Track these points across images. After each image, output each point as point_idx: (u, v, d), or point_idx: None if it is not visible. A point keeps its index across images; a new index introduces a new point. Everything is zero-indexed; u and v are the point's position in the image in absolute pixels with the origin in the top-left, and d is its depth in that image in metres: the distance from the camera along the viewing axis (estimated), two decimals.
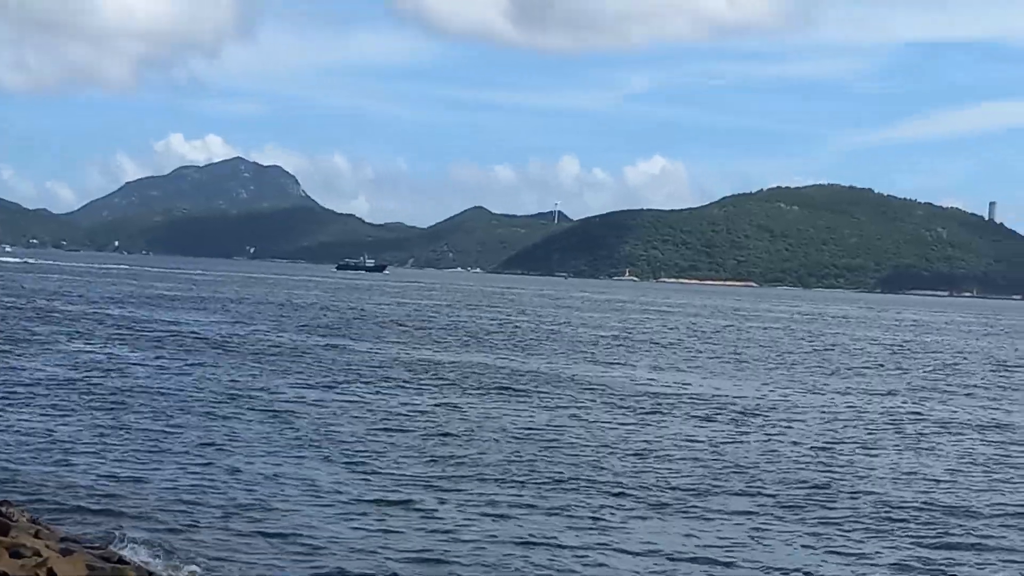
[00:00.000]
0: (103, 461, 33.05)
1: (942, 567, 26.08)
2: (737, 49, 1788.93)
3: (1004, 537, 29.01)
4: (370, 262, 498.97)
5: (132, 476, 31.23)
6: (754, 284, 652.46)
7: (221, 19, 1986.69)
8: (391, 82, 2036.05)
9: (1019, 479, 37.34)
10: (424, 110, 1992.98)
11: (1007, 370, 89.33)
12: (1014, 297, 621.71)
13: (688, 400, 55.67)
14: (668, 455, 38.73)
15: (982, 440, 46.54)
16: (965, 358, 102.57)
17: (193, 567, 22.76)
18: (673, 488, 33.07)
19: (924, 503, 32.63)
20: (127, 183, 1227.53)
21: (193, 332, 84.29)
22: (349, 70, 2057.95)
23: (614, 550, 26.19)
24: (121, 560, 21.71)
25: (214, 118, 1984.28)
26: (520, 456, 37.19)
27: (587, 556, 25.62)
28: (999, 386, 73.65)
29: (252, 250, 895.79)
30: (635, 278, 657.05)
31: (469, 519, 28.33)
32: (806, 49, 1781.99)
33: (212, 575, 22.44)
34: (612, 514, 29.54)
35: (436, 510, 29.05)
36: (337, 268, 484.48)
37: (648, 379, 66.21)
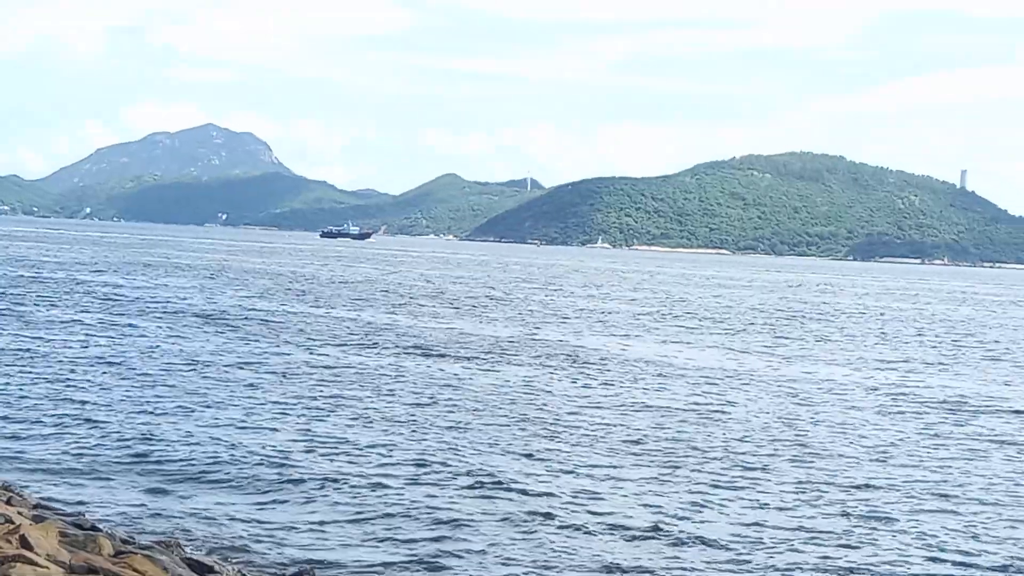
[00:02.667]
0: (75, 429, 32.73)
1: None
2: (709, 17, 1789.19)
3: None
4: (354, 229, 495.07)
5: (104, 444, 30.92)
6: (727, 252, 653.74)
7: None
8: (363, 50, 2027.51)
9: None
10: (397, 77, 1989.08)
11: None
12: (984, 265, 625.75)
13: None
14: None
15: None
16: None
17: (167, 534, 22.54)
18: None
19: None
20: (98, 150, 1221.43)
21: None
22: (322, 38, 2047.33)
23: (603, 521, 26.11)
24: (94, 527, 21.50)
25: (186, 85, 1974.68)
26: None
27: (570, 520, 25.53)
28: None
29: (224, 217, 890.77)
30: (608, 245, 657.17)
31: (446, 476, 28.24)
32: (778, 17, 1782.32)
33: (187, 541, 22.22)
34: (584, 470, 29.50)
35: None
36: (321, 235, 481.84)
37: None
